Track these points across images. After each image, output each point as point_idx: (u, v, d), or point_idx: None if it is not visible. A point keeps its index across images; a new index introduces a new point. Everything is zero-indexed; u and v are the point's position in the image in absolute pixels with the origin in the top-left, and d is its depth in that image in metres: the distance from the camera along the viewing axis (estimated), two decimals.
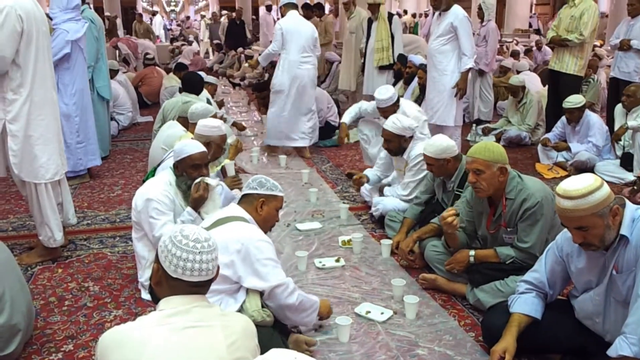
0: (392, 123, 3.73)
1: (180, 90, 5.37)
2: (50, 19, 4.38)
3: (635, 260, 1.94)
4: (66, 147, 4.44)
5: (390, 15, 6.76)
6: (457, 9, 4.88)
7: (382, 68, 6.61)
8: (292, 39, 5.43)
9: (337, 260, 3.27)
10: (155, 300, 1.63)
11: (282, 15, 5.64)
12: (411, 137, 3.77)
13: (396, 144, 3.74)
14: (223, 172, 3.72)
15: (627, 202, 2.03)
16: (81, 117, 4.66)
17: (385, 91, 4.30)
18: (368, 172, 4.18)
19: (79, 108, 4.63)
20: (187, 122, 4.03)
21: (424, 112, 4.62)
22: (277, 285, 2.26)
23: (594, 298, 2.12)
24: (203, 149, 2.88)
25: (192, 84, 5.17)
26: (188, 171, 2.82)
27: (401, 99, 4.46)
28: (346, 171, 5.19)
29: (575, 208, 1.91)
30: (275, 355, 1.15)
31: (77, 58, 4.52)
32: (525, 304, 2.26)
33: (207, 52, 14.63)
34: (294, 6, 5.59)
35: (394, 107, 4.27)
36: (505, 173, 2.67)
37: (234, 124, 6.78)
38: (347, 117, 4.92)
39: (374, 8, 6.43)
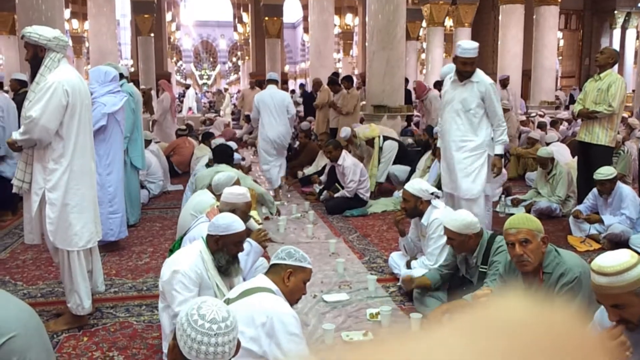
0: (412, 184, 3.91)
1: (211, 162, 5.51)
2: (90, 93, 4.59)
3: None
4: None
5: (385, 139, 7.33)
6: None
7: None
8: (264, 107, 6.93)
9: (365, 335, 3.19)
10: None
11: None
12: (428, 202, 3.81)
13: (412, 204, 3.86)
14: (247, 232, 3.72)
15: None
16: (115, 187, 4.74)
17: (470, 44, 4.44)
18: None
19: (113, 179, 4.71)
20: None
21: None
22: None
23: None
24: (244, 225, 2.89)
25: (223, 154, 5.32)
26: (230, 247, 2.79)
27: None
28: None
29: (610, 285, 1.85)
30: None
31: (113, 130, 4.65)
32: None
33: (228, 124, 14.98)
34: (272, 82, 7.19)
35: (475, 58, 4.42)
36: (546, 243, 2.62)
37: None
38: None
39: (369, 141, 7.34)
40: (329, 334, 3.10)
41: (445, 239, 3.63)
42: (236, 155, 6.23)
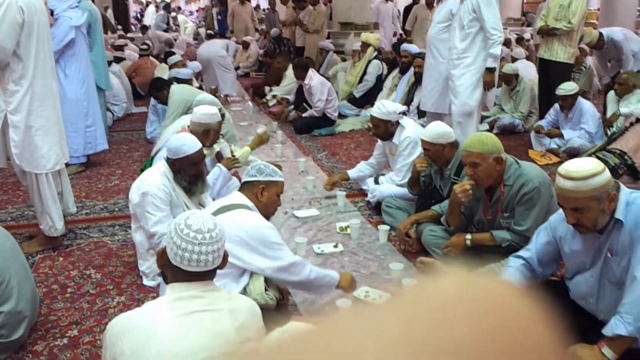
0: (378, 109, 3.85)
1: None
2: (52, 12, 4.47)
3: (630, 243, 1.99)
4: (76, 131, 4.61)
5: (377, 57, 7.36)
6: None
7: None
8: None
9: (336, 246, 3.32)
10: (166, 281, 1.68)
11: None
12: (397, 122, 3.84)
13: (383, 129, 3.86)
14: (218, 157, 3.76)
15: (622, 186, 2.07)
16: (89, 101, 4.76)
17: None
18: (356, 168, 4.22)
19: (87, 92, 4.72)
20: None
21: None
22: (291, 264, 2.36)
23: (588, 279, 2.18)
24: (199, 146, 2.85)
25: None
26: (186, 169, 2.82)
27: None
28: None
29: (574, 189, 1.96)
30: (293, 326, 1.20)
31: (81, 44, 4.62)
32: (510, 276, 2.33)
33: (190, 45, 14.39)
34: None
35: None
36: (501, 163, 2.72)
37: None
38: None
39: (363, 46, 7.34)
40: (301, 247, 3.22)
41: (414, 157, 3.72)
42: (187, 70, 6.20)
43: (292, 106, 7.01)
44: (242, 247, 2.30)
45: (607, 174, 1.98)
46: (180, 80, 5.64)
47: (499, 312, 0.23)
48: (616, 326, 1.92)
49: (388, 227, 3.46)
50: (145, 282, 2.94)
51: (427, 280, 0.25)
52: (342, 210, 3.95)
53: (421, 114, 5.59)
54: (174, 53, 8.53)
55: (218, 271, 1.76)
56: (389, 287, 2.87)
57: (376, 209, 3.90)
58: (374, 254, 3.26)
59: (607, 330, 1.95)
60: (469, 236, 2.87)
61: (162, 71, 7.77)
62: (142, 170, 3.40)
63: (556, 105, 5.45)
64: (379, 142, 4.18)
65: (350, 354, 0.21)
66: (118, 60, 8.35)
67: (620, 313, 1.94)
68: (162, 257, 1.64)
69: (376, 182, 4.08)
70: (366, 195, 4.10)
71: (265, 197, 2.46)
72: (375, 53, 7.34)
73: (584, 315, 2.23)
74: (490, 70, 4.41)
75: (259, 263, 2.33)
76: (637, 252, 1.96)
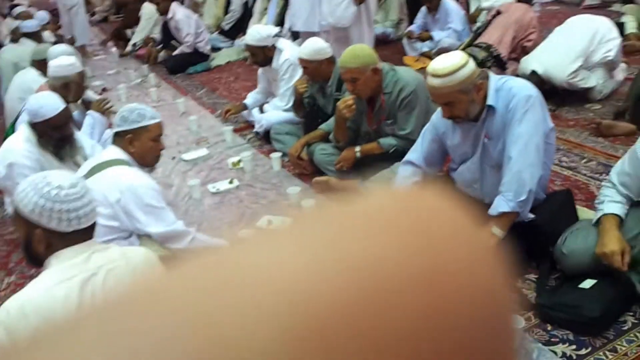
0: (251, 36, 3.75)
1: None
2: None
3: (503, 126, 2.12)
4: None
5: None
6: None
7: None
8: None
9: (231, 182, 3.27)
10: (39, 264, 1.53)
11: None
12: (274, 46, 3.75)
13: (261, 56, 3.77)
14: (86, 105, 3.50)
15: (491, 73, 2.18)
16: None
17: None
18: (249, 96, 4.14)
19: None
20: (44, 66, 3.60)
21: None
22: (166, 234, 2.17)
23: (470, 167, 2.31)
24: (61, 107, 2.59)
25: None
26: (49, 133, 2.58)
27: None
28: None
29: (442, 86, 2.04)
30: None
31: None
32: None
33: None
34: None
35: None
36: (378, 73, 2.76)
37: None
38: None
39: None
40: (195, 189, 3.13)
41: (295, 78, 3.68)
42: (32, 22, 5.60)
43: (161, 45, 6.62)
44: (120, 210, 2.12)
45: (471, 65, 2.06)
46: (28, 35, 5.11)
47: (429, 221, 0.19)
48: (499, 205, 2.07)
49: (280, 154, 3.44)
50: None
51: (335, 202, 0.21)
52: (232, 145, 3.86)
53: (295, 35, 5.49)
54: (18, 5, 7.68)
55: (106, 238, 1.66)
56: (290, 210, 2.89)
57: (265, 138, 3.85)
58: (270, 183, 3.26)
59: (492, 210, 2.09)
60: (357, 148, 2.93)
61: (8, 27, 6.98)
62: (5, 139, 3.10)
63: (423, 9, 5.57)
64: (260, 72, 4.08)
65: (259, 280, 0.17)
66: None
67: (501, 192, 2.08)
68: (45, 238, 1.48)
69: (261, 111, 4.02)
70: (253, 126, 4.03)
71: (137, 147, 2.24)
72: None
73: (472, 203, 2.37)
74: None
75: (135, 226, 2.16)
76: (509, 133, 2.09)
